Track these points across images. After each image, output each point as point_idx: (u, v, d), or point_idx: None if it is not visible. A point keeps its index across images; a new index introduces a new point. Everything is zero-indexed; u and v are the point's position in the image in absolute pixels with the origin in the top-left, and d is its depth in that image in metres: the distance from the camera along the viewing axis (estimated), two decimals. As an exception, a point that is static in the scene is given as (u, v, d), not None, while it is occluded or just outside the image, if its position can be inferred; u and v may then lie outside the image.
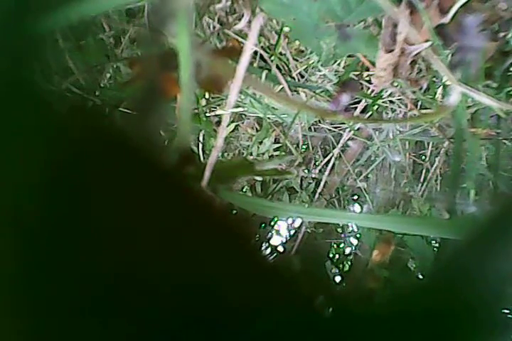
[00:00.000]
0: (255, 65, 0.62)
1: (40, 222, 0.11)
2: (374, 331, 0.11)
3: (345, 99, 0.26)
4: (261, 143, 0.84)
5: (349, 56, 0.53)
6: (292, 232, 0.95)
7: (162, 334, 0.10)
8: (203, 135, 0.66)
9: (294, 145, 0.87)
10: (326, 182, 0.89)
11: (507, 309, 0.11)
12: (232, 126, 0.84)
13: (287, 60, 0.68)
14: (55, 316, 0.10)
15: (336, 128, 0.82)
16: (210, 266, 0.11)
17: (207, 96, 0.62)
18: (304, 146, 0.94)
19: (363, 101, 0.63)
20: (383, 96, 0.65)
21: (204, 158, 0.65)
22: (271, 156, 0.85)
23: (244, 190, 0.91)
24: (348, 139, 0.81)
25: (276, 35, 0.59)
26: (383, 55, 0.32)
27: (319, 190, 0.90)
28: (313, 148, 0.96)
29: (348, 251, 1.02)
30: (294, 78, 0.69)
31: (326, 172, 0.87)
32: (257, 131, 0.87)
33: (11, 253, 0.10)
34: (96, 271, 0.10)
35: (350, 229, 1.01)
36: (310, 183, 0.96)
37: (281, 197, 0.95)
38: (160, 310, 0.10)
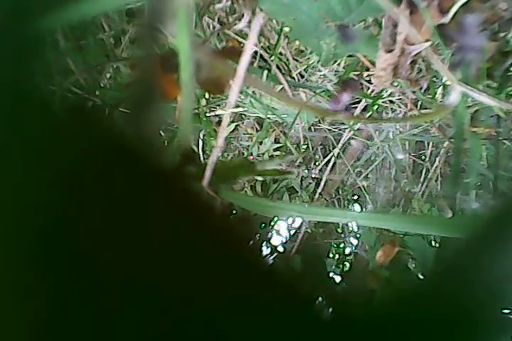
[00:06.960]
0: (255, 64, 0.62)
1: (41, 220, 0.11)
2: (374, 333, 0.11)
3: (345, 98, 0.26)
4: (261, 143, 0.84)
5: (349, 56, 0.53)
6: (292, 232, 0.95)
7: (163, 332, 0.10)
8: (203, 135, 0.66)
9: (294, 145, 0.87)
10: (326, 182, 0.89)
11: (507, 309, 0.11)
12: (233, 126, 0.84)
13: (287, 60, 0.68)
14: (54, 313, 0.10)
15: (335, 128, 0.82)
16: (209, 267, 0.11)
17: (207, 96, 0.62)
18: (304, 146, 0.94)
19: (363, 101, 0.63)
20: (383, 96, 0.65)
21: (204, 158, 0.65)
22: (271, 156, 0.85)
23: (244, 190, 0.91)
24: (349, 139, 0.81)
25: (276, 35, 0.59)
26: (383, 55, 0.32)
27: (319, 190, 0.91)
28: (313, 148, 0.96)
29: (348, 251, 1.02)
30: (294, 78, 0.69)
31: (326, 172, 0.87)
32: (257, 131, 0.87)
33: (13, 259, 0.10)
34: (96, 271, 0.10)
35: (350, 229, 1.01)
36: (310, 183, 0.96)
37: (282, 197, 0.95)
38: (159, 310, 0.10)
